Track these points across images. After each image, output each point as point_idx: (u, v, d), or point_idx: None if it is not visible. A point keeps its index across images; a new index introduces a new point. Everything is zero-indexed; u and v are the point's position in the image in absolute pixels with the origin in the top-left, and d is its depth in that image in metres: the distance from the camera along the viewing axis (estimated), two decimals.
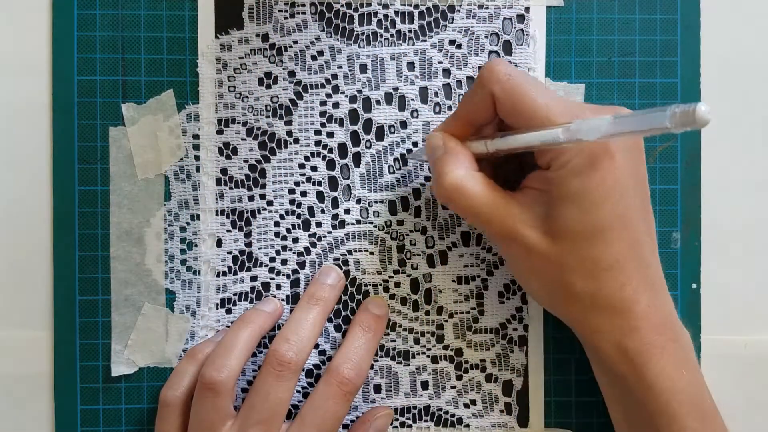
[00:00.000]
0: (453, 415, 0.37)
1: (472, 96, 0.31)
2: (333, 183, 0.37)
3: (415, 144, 0.37)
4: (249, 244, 0.37)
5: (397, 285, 0.37)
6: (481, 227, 0.32)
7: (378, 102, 0.37)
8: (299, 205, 0.37)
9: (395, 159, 0.37)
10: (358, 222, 0.37)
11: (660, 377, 0.29)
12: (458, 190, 0.30)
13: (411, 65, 0.37)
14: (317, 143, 0.37)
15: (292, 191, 0.37)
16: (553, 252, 0.29)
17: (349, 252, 0.37)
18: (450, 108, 0.37)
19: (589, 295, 0.29)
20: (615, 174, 0.29)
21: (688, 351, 0.31)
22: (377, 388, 0.37)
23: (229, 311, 0.36)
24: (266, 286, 0.37)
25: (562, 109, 0.29)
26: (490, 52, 0.37)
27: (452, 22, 0.37)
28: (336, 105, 0.37)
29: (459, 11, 0.37)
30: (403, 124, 0.37)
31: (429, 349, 0.37)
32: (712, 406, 0.31)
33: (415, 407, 0.37)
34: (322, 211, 0.37)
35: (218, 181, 0.36)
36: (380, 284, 0.37)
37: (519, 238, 0.30)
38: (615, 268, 0.29)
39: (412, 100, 0.37)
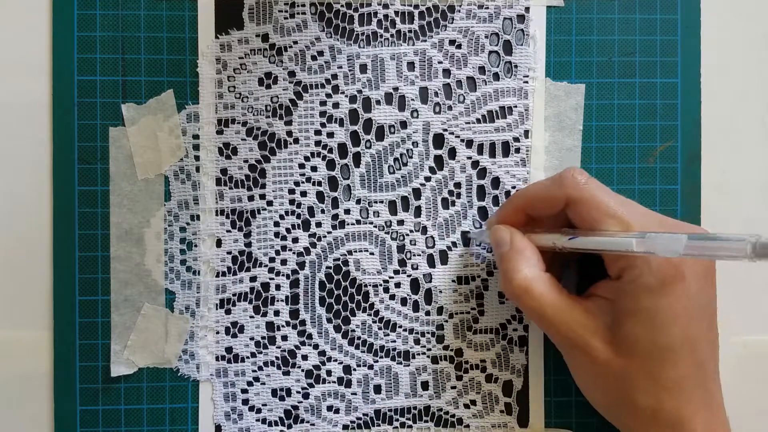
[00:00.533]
0: (453, 416, 0.37)
1: (542, 191, 0.32)
2: (333, 183, 0.37)
3: (414, 144, 0.37)
4: (249, 245, 0.36)
5: (398, 285, 0.37)
6: (545, 330, 0.32)
7: (378, 102, 0.37)
8: (299, 205, 0.37)
9: (395, 159, 0.37)
10: (358, 222, 0.37)
11: None
12: (527, 291, 0.31)
13: (411, 65, 0.37)
14: (317, 143, 0.37)
15: (291, 191, 0.37)
16: (616, 364, 0.30)
17: (349, 252, 0.37)
18: (450, 108, 0.37)
19: (651, 411, 0.30)
20: (685, 297, 0.29)
21: None
22: (377, 389, 0.37)
23: (228, 312, 0.36)
24: (266, 286, 0.36)
25: (636, 217, 0.30)
26: (490, 52, 0.37)
27: (452, 22, 0.37)
28: (336, 105, 0.37)
29: (459, 11, 0.37)
30: (403, 124, 0.37)
31: (429, 350, 0.37)
32: None
33: (415, 408, 0.37)
34: (322, 211, 0.37)
35: (218, 181, 0.36)
36: (380, 284, 0.37)
37: (583, 346, 0.30)
38: (678, 389, 0.29)
39: (412, 100, 0.37)
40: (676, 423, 0.29)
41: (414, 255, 0.37)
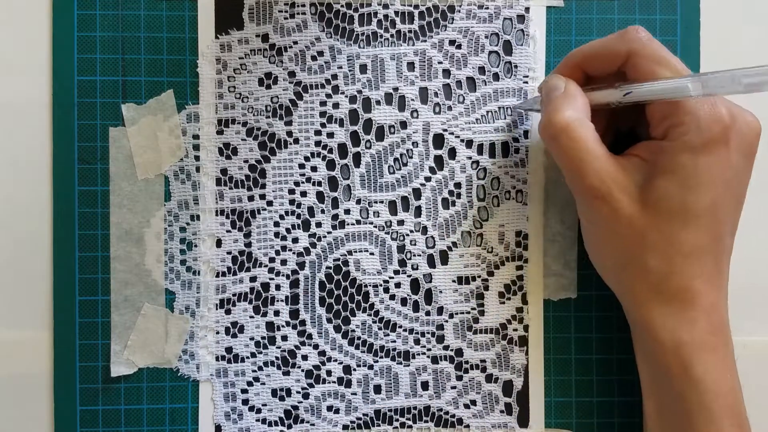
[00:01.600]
0: (453, 416, 0.37)
1: (603, 46, 0.32)
2: (333, 183, 0.37)
3: (414, 144, 0.37)
4: (249, 245, 0.36)
5: (398, 285, 0.37)
6: (572, 177, 0.31)
7: (378, 102, 0.37)
8: (299, 206, 0.37)
9: (395, 159, 0.37)
10: (358, 222, 0.37)
11: (706, 376, 0.29)
12: (567, 130, 0.30)
13: (411, 65, 0.37)
14: (317, 143, 0.37)
15: (291, 191, 0.37)
16: (639, 223, 0.29)
17: (349, 252, 0.37)
18: (450, 108, 0.37)
19: (661, 275, 0.29)
20: (725, 163, 0.29)
21: (733, 358, 0.31)
22: (377, 389, 0.37)
23: (228, 312, 0.36)
24: (266, 286, 0.36)
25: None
26: (490, 52, 0.37)
27: (452, 23, 0.37)
28: (336, 105, 0.37)
29: (459, 11, 0.37)
30: (403, 125, 0.37)
31: (429, 350, 0.37)
32: (746, 417, 0.31)
33: (415, 408, 0.37)
34: (322, 212, 0.37)
35: (218, 182, 0.36)
36: (380, 285, 0.37)
37: (610, 199, 0.30)
38: (693, 257, 0.29)
39: (412, 100, 0.37)
40: (682, 291, 0.29)
41: (414, 255, 0.37)
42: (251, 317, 0.36)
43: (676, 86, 0.28)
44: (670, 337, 0.29)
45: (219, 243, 0.36)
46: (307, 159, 0.37)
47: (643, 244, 0.29)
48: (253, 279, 0.37)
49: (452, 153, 0.37)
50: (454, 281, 0.37)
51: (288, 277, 0.37)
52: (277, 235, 0.37)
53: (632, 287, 0.31)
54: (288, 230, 0.37)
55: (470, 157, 0.37)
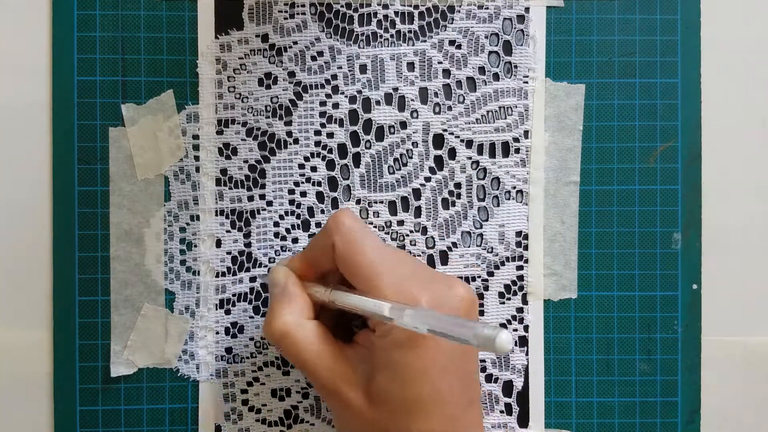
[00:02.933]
0: None
1: (317, 240, 0.32)
2: (333, 183, 0.37)
3: (414, 144, 0.37)
4: (248, 245, 0.36)
5: None
6: (305, 375, 0.32)
7: (378, 102, 0.37)
8: (299, 206, 0.37)
9: (395, 159, 0.37)
10: None
11: None
12: (286, 336, 0.30)
13: (411, 65, 0.37)
14: (317, 143, 0.37)
15: (291, 191, 0.37)
16: (370, 415, 0.29)
17: None
18: (450, 108, 0.37)
19: None
20: (435, 351, 0.28)
21: None
22: None
23: (228, 312, 0.36)
24: (265, 286, 0.36)
25: (392, 280, 0.29)
26: (490, 52, 0.37)
27: (452, 23, 0.37)
28: (336, 105, 0.37)
29: (459, 12, 0.37)
30: (403, 125, 0.37)
31: None
32: None
33: None
34: (322, 212, 0.37)
35: (218, 182, 0.36)
36: None
37: (338, 394, 0.30)
38: None
39: (412, 100, 0.37)
40: None
41: (414, 255, 0.37)
42: (251, 317, 0.36)
43: (374, 306, 0.29)
44: None
45: (219, 243, 0.36)
46: (306, 159, 0.37)
47: None
48: (252, 279, 0.37)
49: (452, 153, 0.37)
50: None
51: None
52: (276, 235, 0.37)
53: None
54: (288, 230, 0.37)
55: (470, 157, 0.37)
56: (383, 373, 0.29)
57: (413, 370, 0.28)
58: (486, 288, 0.37)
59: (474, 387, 0.31)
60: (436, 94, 0.37)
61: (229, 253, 0.36)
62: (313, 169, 0.37)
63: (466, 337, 0.24)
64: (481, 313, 0.37)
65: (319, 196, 0.37)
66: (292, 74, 0.36)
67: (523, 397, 0.37)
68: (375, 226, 0.37)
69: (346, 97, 0.37)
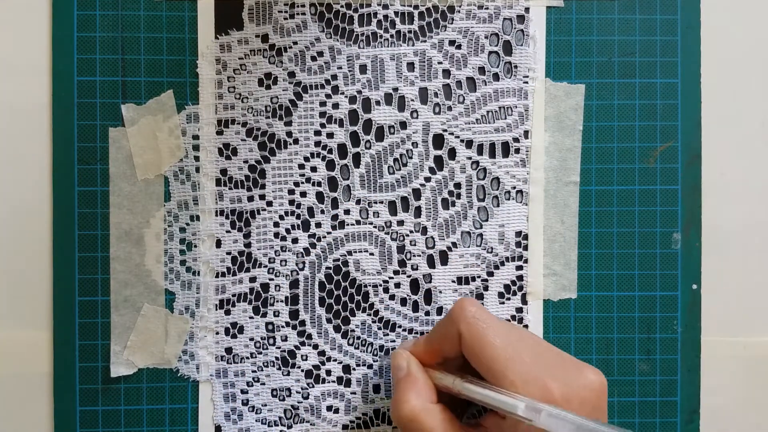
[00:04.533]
0: None
1: (441, 327, 0.32)
2: (333, 183, 0.37)
3: (414, 144, 0.37)
4: (248, 245, 0.36)
5: (397, 285, 0.37)
6: None
7: (378, 102, 0.37)
8: (299, 206, 0.37)
9: (395, 159, 0.37)
10: (358, 222, 0.37)
11: None
12: (414, 421, 0.30)
13: (411, 66, 0.37)
14: (317, 144, 0.37)
15: (291, 192, 0.37)
16: None
17: (349, 253, 0.37)
18: (450, 109, 0.37)
19: None
20: None
21: None
22: (376, 388, 0.37)
23: (228, 312, 0.36)
24: (265, 287, 0.36)
25: (522, 368, 0.29)
26: (490, 52, 0.37)
27: (452, 23, 0.37)
28: (336, 105, 0.37)
29: (459, 12, 0.37)
30: (403, 125, 0.37)
31: None
32: None
33: None
34: (322, 212, 0.37)
35: (218, 182, 0.36)
36: (380, 285, 0.37)
37: None
38: None
39: (412, 100, 0.37)
40: None
41: (414, 255, 0.37)
42: (251, 318, 0.36)
43: (507, 402, 0.28)
44: None
45: (219, 243, 0.36)
46: (306, 159, 0.37)
47: None
48: (252, 279, 0.37)
49: (452, 153, 0.37)
50: (453, 281, 0.37)
51: (288, 277, 0.37)
52: (276, 235, 0.37)
53: None
54: (288, 230, 0.37)
55: (470, 158, 0.37)
56: None
57: None
58: (486, 288, 0.37)
59: None
60: (436, 95, 0.37)
61: (228, 253, 0.36)
62: (313, 169, 0.37)
63: None
64: None
65: (319, 197, 0.37)
66: (292, 74, 0.36)
67: None
68: (375, 226, 0.37)
69: (346, 97, 0.37)
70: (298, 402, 0.37)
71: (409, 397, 0.31)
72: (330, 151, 0.37)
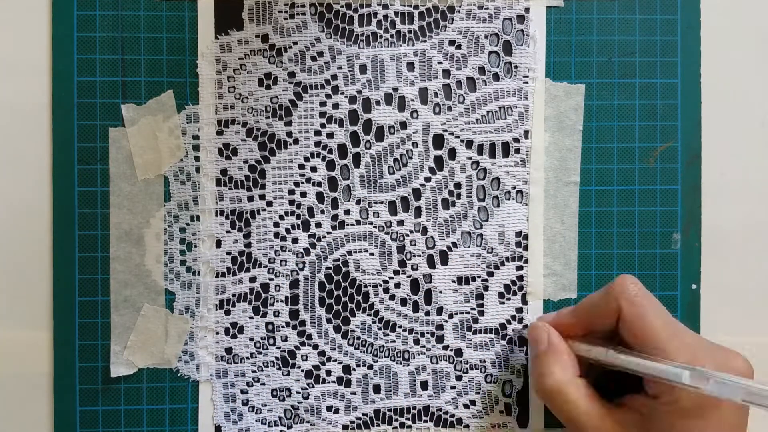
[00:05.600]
0: (453, 416, 0.37)
1: (597, 302, 0.32)
2: (333, 183, 0.37)
3: (414, 144, 0.37)
4: (248, 245, 0.36)
5: (397, 286, 0.37)
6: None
7: (378, 102, 0.37)
8: (299, 206, 0.37)
9: (395, 159, 0.37)
10: (358, 222, 0.37)
11: None
12: (561, 394, 0.31)
13: (411, 66, 0.37)
14: (317, 144, 0.37)
15: (291, 192, 0.37)
16: None
17: (349, 253, 0.37)
18: (450, 109, 0.37)
19: None
20: (718, 423, 0.29)
21: None
22: (377, 389, 0.37)
23: (228, 312, 0.36)
24: (265, 287, 0.36)
25: (682, 346, 0.29)
26: (490, 52, 0.37)
27: (452, 23, 0.37)
28: (336, 106, 0.37)
29: (459, 12, 0.37)
30: (403, 125, 0.37)
31: (429, 350, 0.37)
32: None
33: (414, 407, 0.37)
34: (322, 212, 0.37)
35: (218, 182, 0.36)
36: (380, 285, 0.37)
37: None
38: None
39: (412, 100, 0.37)
40: None
41: (414, 255, 0.37)
42: (251, 318, 0.36)
43: (670, 371, 0.28)
44: None
45: (219, 243, 0.36)
46: (306, 159, 0.37)
47: None
48: (252, 279, 0.37)
49: (452, 153, 0.37)
50: (453, 281, 0.37)
51: (288, 277, 0.37)
52: (276, 235, 0.37)
53: None
54: (288, 231, 0.37)
55: (470, 158, 0.37)
56: None
57: None
58: (486, 288, 0.37)
59: None
60: (436, 95, 0.37)
61: (229, 253, 0.36)
62: (313, 169, 0.37)
63: None
64: (481, 313, 0.37)
65: (319, 197, 0.37)
66: (292, 74, 0.36)
67: (523, 397, 0.37)
68: (375, 226, 0.37)
69: (346, 97, 0.37)
70: (298, 402, 0.37)
71: (553, 369, 0.31)
72: (330, 151, 0.37)
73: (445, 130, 0.37)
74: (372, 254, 0.37)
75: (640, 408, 0.31)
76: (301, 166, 0.37)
